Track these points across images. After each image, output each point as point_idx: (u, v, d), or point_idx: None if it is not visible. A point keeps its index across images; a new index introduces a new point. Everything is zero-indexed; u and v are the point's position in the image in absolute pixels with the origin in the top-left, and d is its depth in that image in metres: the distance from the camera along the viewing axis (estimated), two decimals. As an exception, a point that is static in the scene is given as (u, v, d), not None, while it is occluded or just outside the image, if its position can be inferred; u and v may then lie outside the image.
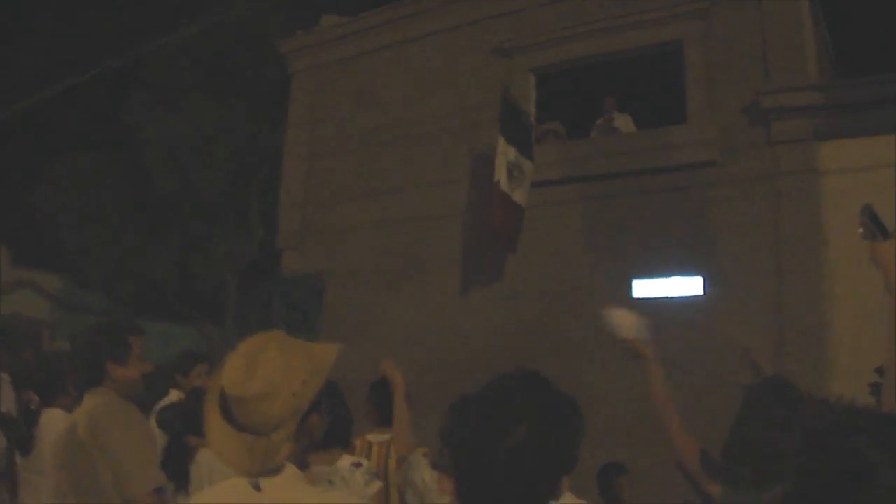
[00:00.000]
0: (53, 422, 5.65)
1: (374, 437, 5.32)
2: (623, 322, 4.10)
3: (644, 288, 11.14)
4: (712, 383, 10.11)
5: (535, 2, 13.25)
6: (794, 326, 9.92)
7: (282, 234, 15.47)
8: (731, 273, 10.53)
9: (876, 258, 3.11)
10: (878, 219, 3.05)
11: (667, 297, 10.92)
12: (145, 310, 27.95)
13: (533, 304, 11.93)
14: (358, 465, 4.11)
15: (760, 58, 11.09)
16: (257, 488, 2.35)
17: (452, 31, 14.12)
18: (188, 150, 21.03)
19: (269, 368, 2.34)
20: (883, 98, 9.94)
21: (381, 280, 13.65)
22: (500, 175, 11.19)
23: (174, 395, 6.71)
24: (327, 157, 15.20)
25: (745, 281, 10.41)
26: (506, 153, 11.34)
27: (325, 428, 2.79)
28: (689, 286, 10.89)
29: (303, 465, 2.67)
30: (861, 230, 3.07)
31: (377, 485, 4.18)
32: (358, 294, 13.88)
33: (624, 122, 12.55)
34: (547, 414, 2.11)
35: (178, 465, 5.02)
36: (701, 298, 10.74)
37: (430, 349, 12.32)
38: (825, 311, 9.82)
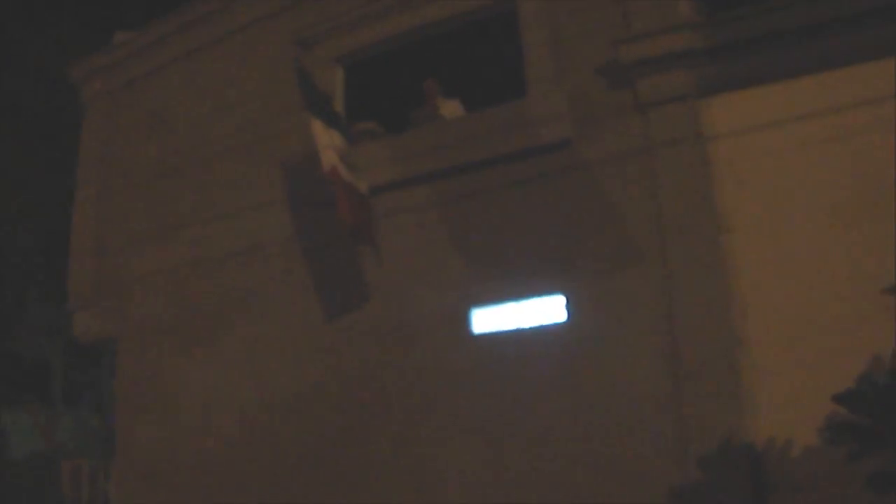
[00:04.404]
0: None
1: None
2: None
3: (489, 318, 7.68)
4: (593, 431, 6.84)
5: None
6: (693, 344, 6.55)
7: (71, 293, 11.67)
8: (603, 285, 7.13)
9: None
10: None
11: (520, 329, 7.51)
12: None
13: (355, 351, 8.50)
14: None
15: (617, 3, 7.82)
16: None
17: (246, 30, 10.80)
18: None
19: None
20: (778, 31, 6.78)
21: (177, 337, 10.25)
22: (333, 160, 7.97)
23: None
24: (119, 195, 11.56)
25: (623, 293, 7.02)
26: (330, 136, 8.06)
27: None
28: (548, 310, 7.42)
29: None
30: None
31: None
32: (154, 357, 10.34)
33: (451, 110, 9.12)
34: None
35: None
36: (565, 324, 7.30)
37: (238, 415, 9.34)
38: (732, 320, 6.46)
